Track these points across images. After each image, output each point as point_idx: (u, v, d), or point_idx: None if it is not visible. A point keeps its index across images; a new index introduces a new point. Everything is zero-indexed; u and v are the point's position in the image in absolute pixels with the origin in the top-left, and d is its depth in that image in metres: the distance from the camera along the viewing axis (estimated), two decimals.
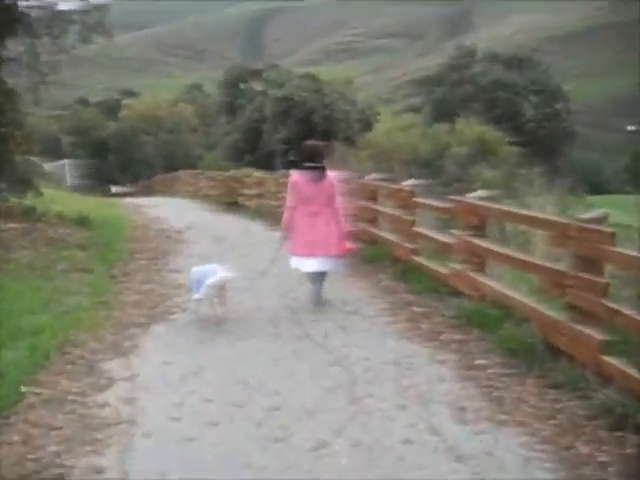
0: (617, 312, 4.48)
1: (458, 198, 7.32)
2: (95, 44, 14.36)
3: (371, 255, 9.36)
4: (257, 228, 13.73)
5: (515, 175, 16.18)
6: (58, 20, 12.34)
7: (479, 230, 6.84)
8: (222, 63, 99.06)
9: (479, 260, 6.80)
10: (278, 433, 4.13)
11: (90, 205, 18.31)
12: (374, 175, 10.73)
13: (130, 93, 66.98)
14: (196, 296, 6.77)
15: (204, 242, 11.99)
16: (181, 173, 28.70)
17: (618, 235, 4.66)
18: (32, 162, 14.43)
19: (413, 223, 8.59)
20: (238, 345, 5.98)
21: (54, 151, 49.71)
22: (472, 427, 4.19)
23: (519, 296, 5.94)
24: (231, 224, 15.09)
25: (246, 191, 18.12)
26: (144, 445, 4.01)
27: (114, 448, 3.95)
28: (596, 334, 4.65)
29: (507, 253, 6.39)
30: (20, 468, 3.68)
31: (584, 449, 3.88)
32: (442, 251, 7.90)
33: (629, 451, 3.81)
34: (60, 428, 4.17)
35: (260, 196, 16.74)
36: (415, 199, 8.55)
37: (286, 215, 7.46)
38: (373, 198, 10.16)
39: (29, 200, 12.73)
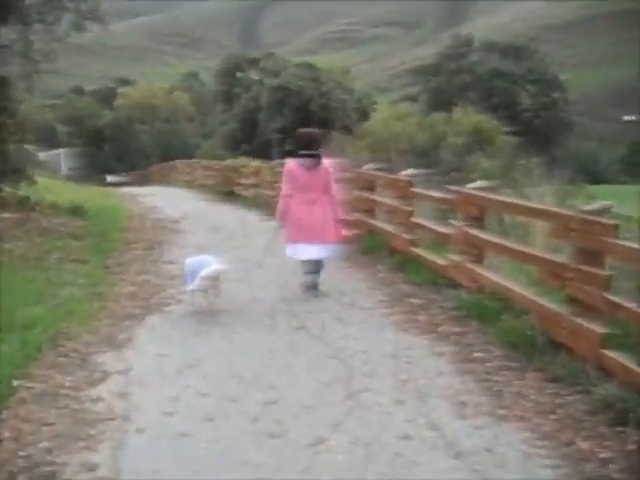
0: (618, 305, 4.41)
1: (457, 188, 7.23)
2: (90, 32, 14.18)
3: (368, 246, 9.28)
4: (253, 218, 13.64)
5: (514, 165, 16.08)
6: (51, 7, 12.18)
7: (478, 221, 6.76)
8: (218, 52, 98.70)
9: (478, 251, 6.73)
10: (274, 429, 4.06)
11: (85, 195, 18.20)
12: (371, 165, 10.64)
13: (126, 82, 66.78)
14: (190, 287, 6.70)
15: (200, 232, 11.91)
16: (177, 162, 28.58)
17: (619, 227, 4.59)
18: (26, 151, 14.32)
19: (411, 214, 8.50)
20: (234, 337, 5.90)
21: (49, 140, 49.54)
22: (471, 422, 4.13)
23: (518, 288, 5.87)
24: (227, 214, 15.00)
25: (242, 180, 18.01)
26: (138, 441, 3.93)
27: (107, 444, 3.88)
28: (597, 327, 4.58)
29: (506, 244, 6.32)
30: (11, 465, 3.60)
31: (585, 445, 3.81)
32: (440, 242, 7.82)
33: (631, 447, 3.74)
34: (52, 424, 4.09)
35: (256, 186, 16.64)
36: (413, 189, 8.46)
37: (281, 203, 7.40)
38: (370, 188, 10.07)
39: (23, 190, 12.61)
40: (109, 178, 42.16)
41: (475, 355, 5.27)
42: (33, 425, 4.06)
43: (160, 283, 7.92)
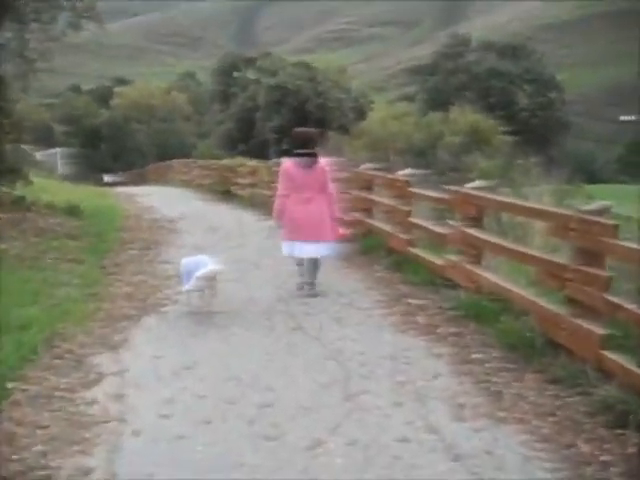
0: (619, 306, 4.37)
1: (455, 188, 7.20)
2: (86, 31, 14.11)
3: (366, 246, 9.24)
4: (250, 218, 13.60)
5: (511, 165, 16.07)
6: (47, 6, 12.11)
7: (476, 221, 6.73)
8: (215, 51, 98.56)
9: (476, 252, 6.69)
10: (271, 431, 4.01)
11: (81, 194, 18.15)
12: (369, 164, 10.61)
13: (123, 81, 66.67)
14: (186, 287, 6.66)
15: (197, 232, 11.86)
16: (174, 162, 28.51)
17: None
18: (22, 151, 14.23)
19: (409, 213, 8.46)
20: (231, 339, 5.86)
21: (46, 139, 49.44)
22: (470, 424, 4.09)
23: (517, 289, 5.83)
24: (224, 214, 14.95)
25: (239, 180, 17.96)
26: (133, 444, 3.88)
27: (102, 447, 3.83)
28: (597, 328, 4.55)
29: (505, 245, 6.29)
30: (4, 469, 3.54)
31: (585, 448, 3.78)
32: (438, 242, 7.79)
33: (631, 450, 3.70)
34: (47, 427, 4.04)
35: (253, 185, 16.59)
36: (411, 189, 8.42)
37: (278, 203, 7.38)
38: (368, 188, 10.04)
39: (18, 189, 12.54)
40: (106, 178, 42.09)
41: (474, 356, 5.24)
42: (27, 428, 4.01)
43: (156, 283, 7.87)
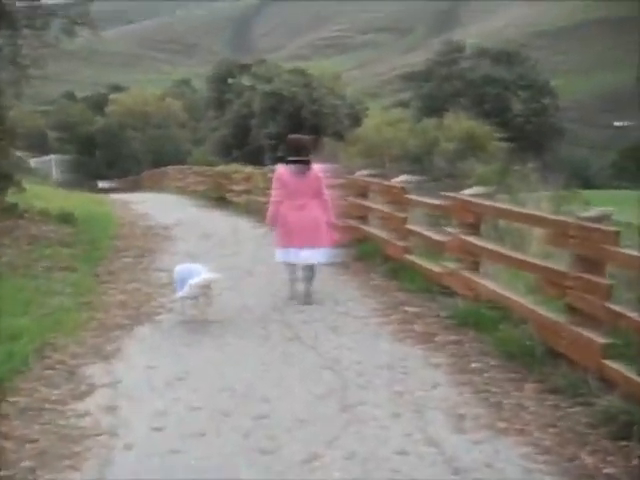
0: (620, 315, 4.29)
1: (452, 195, 7.12)
2: (81, 37, 14.03)
3: (362, 253, 9.16)
4: (245, 225, 13.51)
5: (508, 171, 16.02)
6: (40, 12, 12.02)
7: (474, 228, 6.65)
8: (210, 58, 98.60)
9: (474, 259, 6.61)
10: (267, 444, 3.92)
11: (75, 201, 18.03)
12: (364, 171, 10.53)
13: (118, 88, 66.64)
14: (179, 295, 6.57)
15: (192, 239, 11.77)
16: (169, 168, 28.44)
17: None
18: (15, 157, 14.12)
19: (405, 220, 8.39)
20: (225, 348, 5.76)
21: (40, 146, 49.37)
22: (470, 436, 4.00)
23: (516, 296, 5.75)
24: (219, 221, 14.86)
25: (234, 187, 17.87)
26: (125, 458, 3.78)
27: (93, 462, 3.72)
28: (598, 337, 4.47)
29: (503, 252, 6.20)
30: None
31: (588, 460, 3.69)
32: (435, 249, 7.71)
33: (635, 462, 3.62)
34: (36, 440, 3.93)
35: (248, 192, 16.50)
36: (407, 195, 8.35)
37: (271, 209, 7.35)
38: (363, 194, 9.97)
39: (11, 196, 12.42)
40: (101, 184, 42.01)
41: (472, 366, 5.15)
42: (16, 442, 3.90)
43: (150, 292, 7.77)
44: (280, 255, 7.37)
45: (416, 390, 4.70)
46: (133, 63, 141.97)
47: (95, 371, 5.14)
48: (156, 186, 28.14)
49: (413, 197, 8.29)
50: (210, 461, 3.74)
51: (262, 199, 13.64)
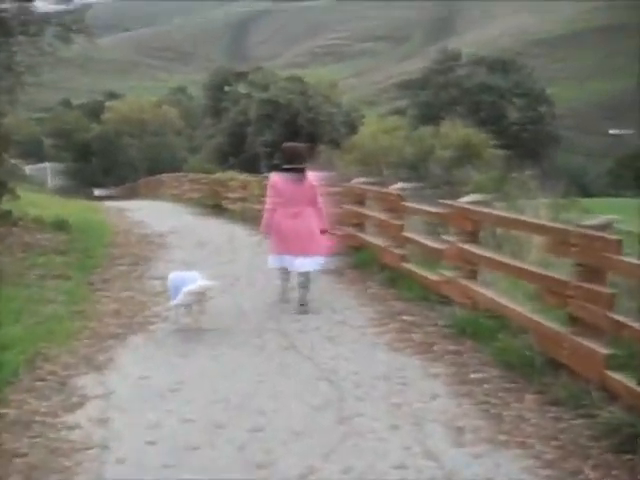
0: (623, 324, 4.21)
1: (450, 202, 7.04)
2: (76, 44, 13.94)
3: (358, 261, 9.08)
4: (241, 232, 13.42)
5: (506, 178, 15.98)
6: (34, 19, 11.94)
7: (472, 236, 6.57)
8: (207, 66, 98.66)
9: (472, 267, 6.53)
10: (262, 458, 3.82)
11: (71, 209, 17.93)
12: (361, 179, 10.46)
13: (114, 95, 66.62)
14: (173, 303, 6.47)
15: (187, 247, 11.68)
16: (165, 176, 28.37)
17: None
18: (10, 165, 14.00)
19: (402, 228, 8.31)
20: (220, 358, 5.66)
21: (36, 154, 49.29)
22: (470, 449, 3.91)
23: (515, 305, 5.66)
24: (215, 228, 14.78)
25: (230, 194, 17.81)
26: (117, 473, 3.68)
27: (84, 477, 3.62)
28: (600, 348, 4.38)
29: (502, 260, 6.12)
30: None
31: (592, 474, 3.60)
32: (432, 257, 7.63)
33: None
34: (25, 455, 3.82)
35: (244, 199, 16.43)
36: (404, 203, 8.27)
37: (266, 217, 7.30)
38: (360, 202, 9.89)
39: (5, 204, 12.31)
40: (96, 192, 41.92)
41: (472, 376, 5.06)
42: (4, 456, 3.79)
43: (144, 300, 7.67)
44: (273, 261, 7.36)
45: (415, 401, 4.61)
46: (129, 70, 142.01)
47: (87, 382, 5.04)
48: (152, 194, 28.06)
49: (410, 204, 8.22)
50: (204, 475, 3.64)
51: (258, 207, 13.56)
